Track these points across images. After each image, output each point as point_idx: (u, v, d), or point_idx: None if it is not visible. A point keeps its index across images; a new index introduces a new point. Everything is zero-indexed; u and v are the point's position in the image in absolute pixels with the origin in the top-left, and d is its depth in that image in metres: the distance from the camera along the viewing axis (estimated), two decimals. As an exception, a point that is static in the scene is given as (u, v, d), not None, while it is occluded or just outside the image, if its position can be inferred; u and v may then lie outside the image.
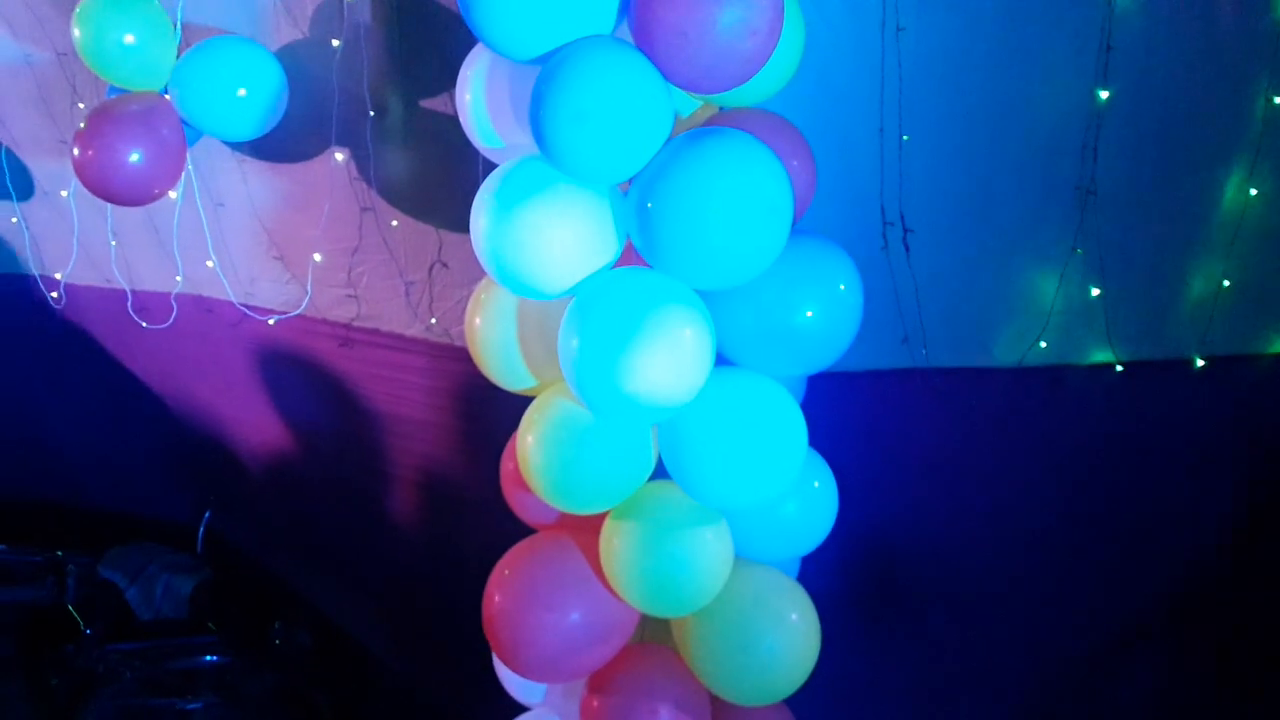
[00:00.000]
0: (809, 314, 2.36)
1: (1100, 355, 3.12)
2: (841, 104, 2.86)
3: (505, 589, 2.58)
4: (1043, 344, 3.10)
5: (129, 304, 4.26)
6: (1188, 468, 3.22)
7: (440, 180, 3.37)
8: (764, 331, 2.38)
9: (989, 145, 2.97)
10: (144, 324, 4.24)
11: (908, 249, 3.00)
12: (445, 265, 3.54)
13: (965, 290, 3.08)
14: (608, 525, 2.48)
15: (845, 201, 2.91)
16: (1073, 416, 3.20)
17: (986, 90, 2.91)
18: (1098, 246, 2.99)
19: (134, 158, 3.27)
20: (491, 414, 3.14)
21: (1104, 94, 2.88)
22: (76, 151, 3.31)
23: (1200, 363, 3.10)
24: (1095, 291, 3.03)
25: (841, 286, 2.40)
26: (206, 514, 5.16)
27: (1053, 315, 3.06)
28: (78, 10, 3.30)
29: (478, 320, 2.63)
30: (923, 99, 2.85)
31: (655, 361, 2.21)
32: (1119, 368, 3.12)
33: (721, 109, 2.54)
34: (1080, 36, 2.87)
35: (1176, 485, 3.24)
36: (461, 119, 2.56)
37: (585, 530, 2.56)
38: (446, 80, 3.11)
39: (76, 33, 3.30)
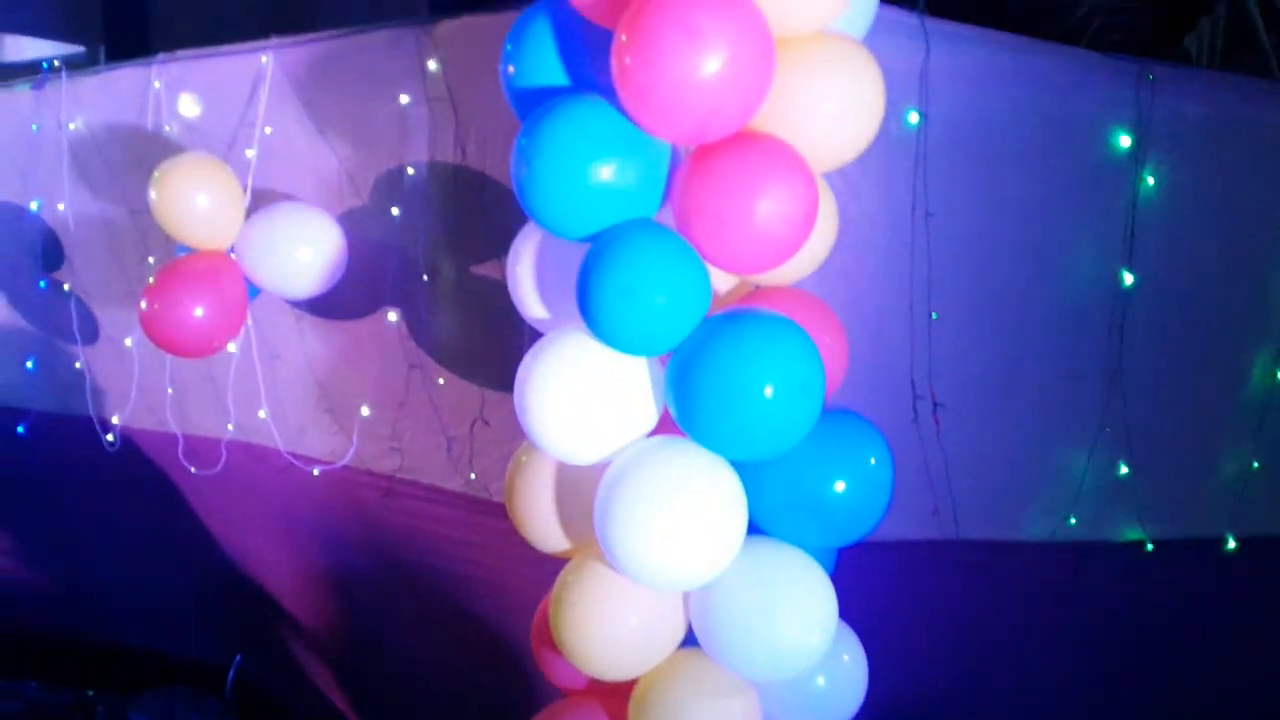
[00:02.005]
0: (840, 487, 2.41)
1: (1131, 533, 3.14)
2: (873, 283, 2.97)
3: (533, 753, 2.58)
4: (1072, 520, 3.13)
5: (180, 449, 4.39)
6: (1220, 648, 3.19)
7: (486, 342, 3.50)
8: (796, 503, 2.43)
9: (1017, 323, 3.06)
10: (193, 469, 4.35)
11: (938, 423, 3.06)
12: (486, 422, 3.64)
13: (995, 464, 3.13)
14: (636, 693, 2.48)
15: (876, 376, 2.99)
16: (1103, 594, 3.20)
17: (1014, 271, 3.02)
18: (1126, 425, 3.04)
19: (198, 313, 3.43)
20: (526, 573, 3.19)
21: (1129, 277, 2.98)
22: (144, 305, 3.47)
23: (1232, 543, 3.10)
24: (1124, 469, 3.07)
25: (872, 461, 2.46)
26: (238, 658, 5.17)
27: (1082, 491, 3.09)
28: (156, 174, 3.49)
29: (517, 481, 2.70)
30: (951, 279, 2.96)
31: (689, 529, 2.27)
32: (1150, 546, 3.13)
33: (757, 286, 2.66)
34: (1104, 222, 2.99)
35: (1208, 666, 3.20)
36: (511, 288, 2.69)
37: (614, 696, 2.56)
38: (496, 248, 3.27)
39: (153, 195, 3.48)
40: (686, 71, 2.05)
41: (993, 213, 2.95)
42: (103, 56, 7.87)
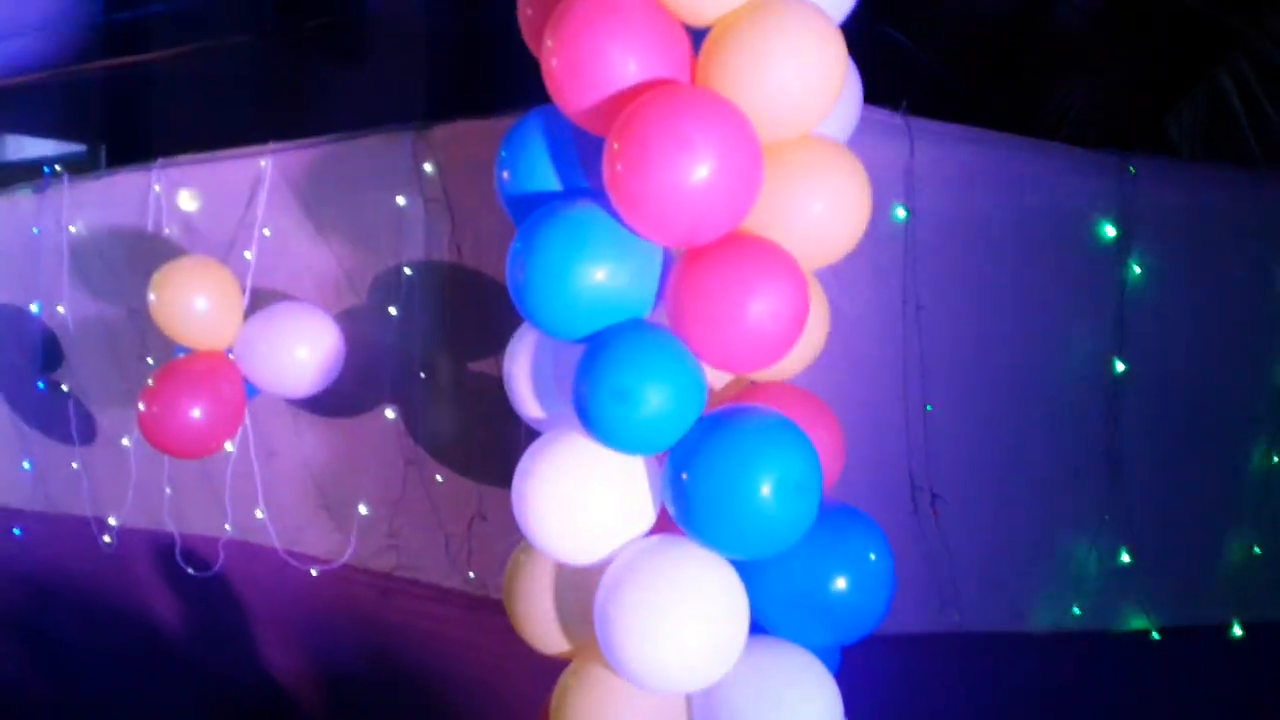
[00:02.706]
0: (840, 585, 2.40)
1: (1136, 621, 3.11)
2: (867, 376, 2.99)
3: None
4: (1077, 610, 3.10)
5: (177, 550, 4.36)
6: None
7: (483, 438, 3.50)
8: (797, 602, 2.41)
9: (1012, 412, 3.08)
10: (190, 570, 4.32)
11: (936, 514, 3.06)
12: (484, 519, 3.62)
13: (997, 554, 3.11)
14: (640, 799, 2.45)
15: (874, 469, 2.99)
16: (1111, 683, 3.16)
17: (1006, 361, 3.04)
18: (1126, 512, 3.03)
19: (196, 414, 3.44)
20: (527, 673, 3.14)
21: (1121, 365, 2.99)
22: (142, 406, 3.48)
23: (1239, 630, 3.07)
24: (1126, 557, 3.06)
25: (872, 556, 2.45)
26: (233, 761, 5.06)
27: (1086, 581, 3.08)
28: (155, 276, 3.53)
29: (515, 582, 2.68)
30: (944, 370, 2.98)
31: (691, 631, 2.25)
32: (1155, 634, 3.10)
33: (753, 382, 2.68)
34: (1094, 311, 3.02)
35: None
36: (507, 388, 2.70)
37: (617, 801, 2.52)
38: (493, 345, 3.29)
39: (152, 297, 3.51)
40: (677, 178, 2.09)
41: (983, 304, 2.98)
42: (104, 156, 7.99)
